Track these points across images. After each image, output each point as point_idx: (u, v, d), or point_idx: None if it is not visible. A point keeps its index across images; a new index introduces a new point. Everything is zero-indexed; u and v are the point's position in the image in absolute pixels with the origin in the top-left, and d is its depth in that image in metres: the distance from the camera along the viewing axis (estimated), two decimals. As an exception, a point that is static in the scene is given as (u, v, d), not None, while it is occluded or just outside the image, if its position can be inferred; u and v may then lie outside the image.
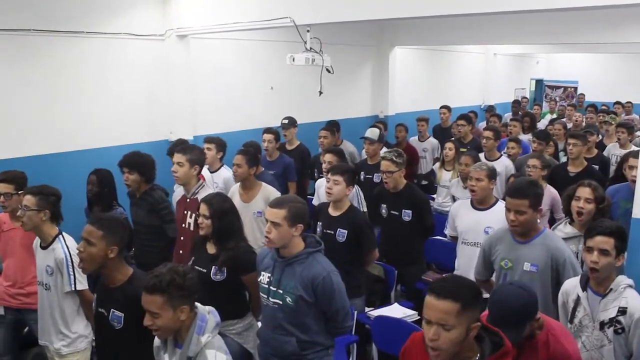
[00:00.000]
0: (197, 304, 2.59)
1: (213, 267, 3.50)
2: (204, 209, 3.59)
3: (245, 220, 4.45)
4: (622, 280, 2.95)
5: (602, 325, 2.92)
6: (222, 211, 3.57)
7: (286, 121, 6.99)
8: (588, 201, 3.89)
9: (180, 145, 5.58)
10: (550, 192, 5.10)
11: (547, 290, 3.35)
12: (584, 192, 3.92)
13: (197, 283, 2.59)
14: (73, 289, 3.54)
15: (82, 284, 3.56)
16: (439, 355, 2.16)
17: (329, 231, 4.33)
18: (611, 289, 2.92)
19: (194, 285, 2.55)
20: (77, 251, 3.06)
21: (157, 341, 2.68)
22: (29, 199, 3.58)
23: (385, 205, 4.98)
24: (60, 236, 3.64)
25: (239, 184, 5.01)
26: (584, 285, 3.02)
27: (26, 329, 4.29)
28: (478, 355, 2.21)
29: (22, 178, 4.08)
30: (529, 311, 2.55)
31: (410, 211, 4.84)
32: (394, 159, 4.82)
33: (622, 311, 2.86)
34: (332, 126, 7.42)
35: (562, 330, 2.77)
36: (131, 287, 2.97)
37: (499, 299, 2.58)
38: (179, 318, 2.48)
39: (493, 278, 3.71)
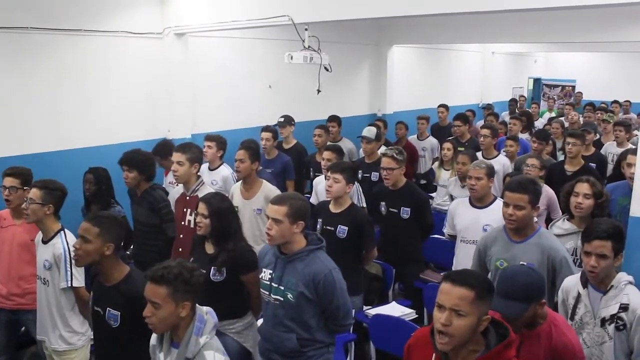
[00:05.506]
0: (196, 305, 2.59)
1: (212, 267, 3.48)
2: (202, 208, 3.56)
3: (245, 217, 4.45)
4: (623, 277, 2.96)
5: (603, 321, 2.92)
6: (221, 211, 3.55)
7: (282, 119, 6.94)
8: (586, 196, 3.88)
9: (162, 147, 5.61)
10: (547, 192, 5.08)
11: None
12: (583, 187, 3.92)
13: (202, 282, 2.61)
14: (69, 285, 3.54)
15: (79, 281, 3.57)
16: (448, 342, 2.14)
17: (329, 227, 4.33)
18: (612, 286, 2.93)
19: (199, 283, 2.56)
20: (73, 248, 3.06)
21: (153, 339, 2.68)
22: (34, 192, 3.61)
23: (384, 203, 4.97)
24: (62, 232, 3.66)
25: (240, 181, 4.98)
26: (585, 283, 3.02)
27: (23, 329, 4.26)
28: (484, 347, 2.21)
29: (28, 174, 4.10)
30: (536, 290, 2.58)
31: (409, 209, 4.83)
32: (395, 155, 4.81)
33: (624, 308, 2.87)
34: (333, 121, 7.41)
35: (565, 323, 2.79)
36: (127, 285, 2.97)
37: (509, 273, 2.67)
38: (179, 314, 2.47)
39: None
